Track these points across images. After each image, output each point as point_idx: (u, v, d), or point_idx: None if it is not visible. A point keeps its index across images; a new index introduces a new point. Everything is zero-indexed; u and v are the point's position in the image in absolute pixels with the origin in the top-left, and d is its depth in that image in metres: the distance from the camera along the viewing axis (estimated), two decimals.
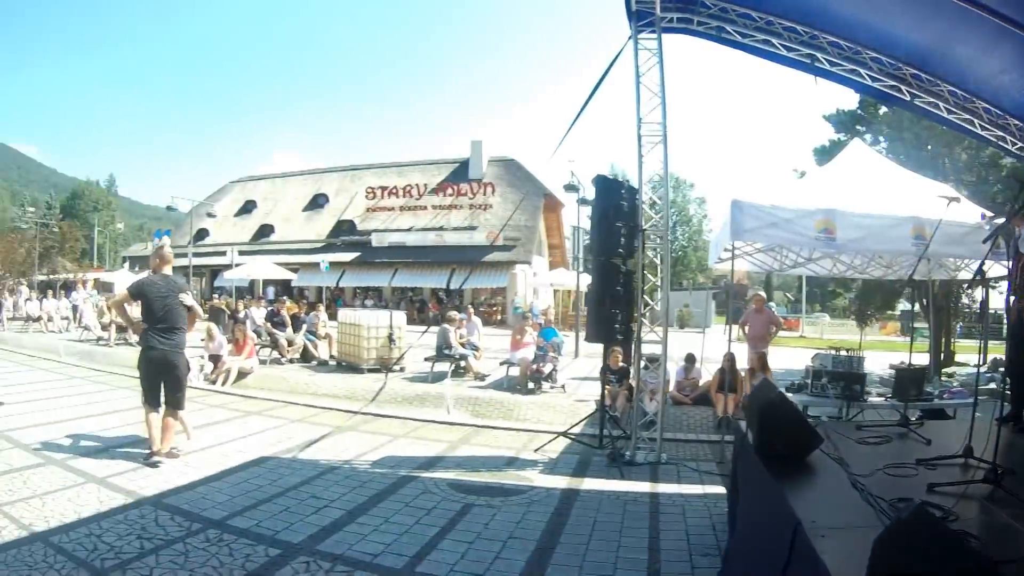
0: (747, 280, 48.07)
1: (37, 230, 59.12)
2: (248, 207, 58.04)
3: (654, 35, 9.98)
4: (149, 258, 9.21)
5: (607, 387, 12.44)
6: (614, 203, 9.99)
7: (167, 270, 9.03)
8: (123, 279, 46.02)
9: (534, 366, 14.94)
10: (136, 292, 8.66)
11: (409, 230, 47.89)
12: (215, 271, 47.85)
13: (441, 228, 47.07)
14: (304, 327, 19.74)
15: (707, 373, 14.43)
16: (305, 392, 14.83)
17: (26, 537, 6.01)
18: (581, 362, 20.66)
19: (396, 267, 46.18)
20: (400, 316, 17.77)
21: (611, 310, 9.79)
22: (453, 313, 17.96)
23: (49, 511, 6.68)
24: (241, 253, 42.09)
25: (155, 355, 8.66)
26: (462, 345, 16.79)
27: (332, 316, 21.77)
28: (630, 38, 10.05)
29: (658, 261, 10.69)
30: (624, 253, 9.93)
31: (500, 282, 43.85)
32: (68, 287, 45.02)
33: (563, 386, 15.15)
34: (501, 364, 16.13)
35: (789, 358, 18.79)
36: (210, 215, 48.62)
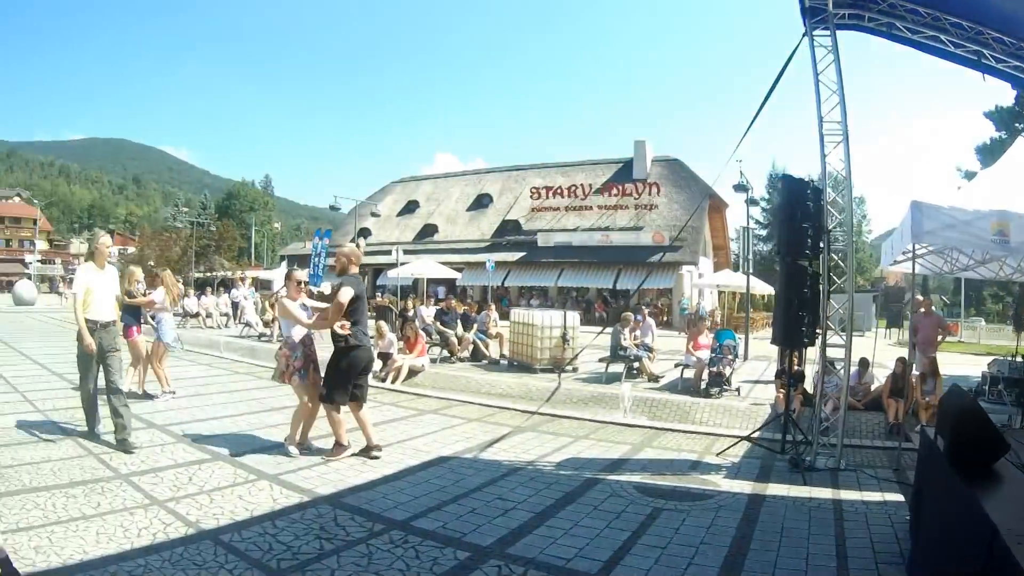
0: (904, 283, 46.48)
1: (193, 229, 60.96)
2: (411, 207, 59.31)
3: (827, 32, 9.73)
4: (337, 256, 9.13)
5: (782, 391, 12.19)
6: (800, 203, 9.75)
7: (355, 270, 9.09)
8: (282, 277, 47.52)
9: (713, 369, 14.67)
10: (358, 293, 8.74)
11: (575, 230, 47.93)
12: (377, 270, 48.76)
13: (607, 228, 46.94)
14: (475, 326, 19.81)
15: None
16: (479, 391, 14.83)
17: (194, 535, 5.96)
18: (750, 365, 20.18)
19: (562, 267, 46.44)
20: (574, 316, 17.65)
21: (798, 313, 9.57)
22: (627, 314, 17.77)
23: (218, 508, 6.67)
24: (405, 252, 42.24)
25: (365, 354, 8.86)
26: (636, 346, 16.59)
27: (502, 316, 21.95)
28: (804, 35, 9.83)
29: (842, 263, 10.41)
30: (810, 254, 9.71)
31: (666, 283, 43.57)
32: (226, 285, 46.40)
33: (737, 389, 14.82)
34: (676, 366, 15.95)
35: (952, 363, 18.05)
36: (374, 214, 49.34)
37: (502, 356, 18.80)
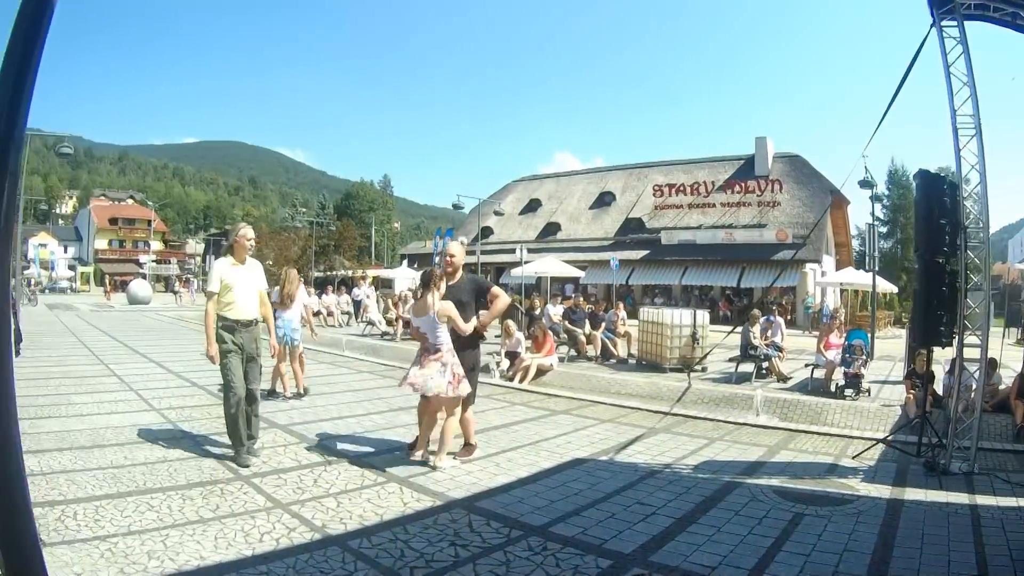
0: (1021, 280, 44.89)
1: (312, 228, 61.77)
2: (533, 205, 59.68)
3: (954, 22, 9.47)
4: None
5: (912, 392, 12.03)
6: (937, 199, 9.50)
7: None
8: (402, 276, 47.88)
9: (849, 370, 14.35)
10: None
11: (698, 228, 47.70)
12: (500, 268, 48.95)
13: (730, 226, 46.48)
14: (603, 324, 19.70)
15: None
16: (608, 391, 14.72)
17: (319, 540, 5.79)
18: (875, 365, 19.42)
19: (686, 265, 46.27)
20: (703, 315, 17.50)
21: (937, 312, 9.33)
22: (756, 312, 17.55)
23: (345, 512, 6.51)
24: (528, 251, 42.66)
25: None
26: (766, 346, 16.39)
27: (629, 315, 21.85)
28: (932, 26, 9.58)
29: (978, 261, 10.11)
30: (947, 252, 9.46)
31: (790, 281, 42.89)
32: (346, 284, 46.87)
33: (867, 390, 14.48)
34: (806, 366, 15.72)
35: None
36: (497, 213, 49.73)
37: (630, 355, 18.75)
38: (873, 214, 30.06)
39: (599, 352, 19.18)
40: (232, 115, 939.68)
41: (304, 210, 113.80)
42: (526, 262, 38.73)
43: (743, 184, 48.46)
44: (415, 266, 54.91)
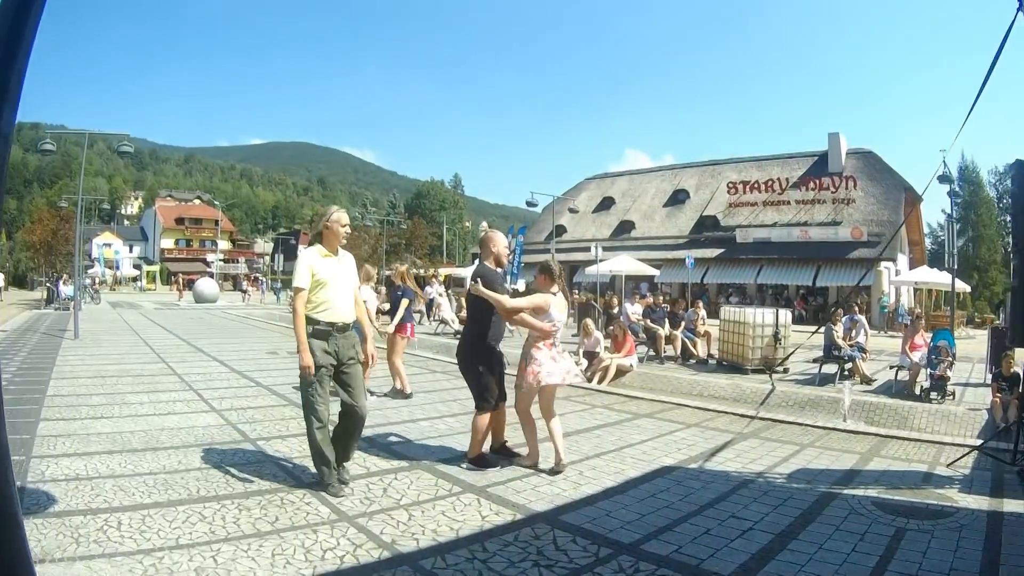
0: None
1: (384, 227, 61.66)
2: (606, 203, 59.46)
3: None
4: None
5: (998, 396, 11.66)
6: None
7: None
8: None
9: (935, 372, 13.89)
10: None
11: (772, 225, 47.09)
12: (573, 267, 48.69)
13: (805, 223, 45.69)
14: (683, 324, 19.36)
15: None
16: (690, 393, 14.43)
17: (388, 559, 5.34)
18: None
19: (761, 264, 45.81)
20: (785, 314, 17.04)
21: None
22: (840, 311, 17.16)
23: (417, 527, 6.04)
24: (603, 251, 41.99)
25: None
26: (850, 346, 15.97)
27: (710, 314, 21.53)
28: (1018, 10, 9.19)
29: None
30: None
31: (865, 280, 41.68)
32: (418, 282, 46.55)
33: (952, 393, 14.02)
34: (891, 367, 15.32)
35: None
36: (572, 210, 49.49)
37: (710, 355, 18.41)
38: (952, 211, 29.26)
39: (678, 352, 18.89)
40: (300, 116, 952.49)
41: (374, 209, 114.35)
42: (601, 260, 38.35)
43: (817, 181, 47.63)
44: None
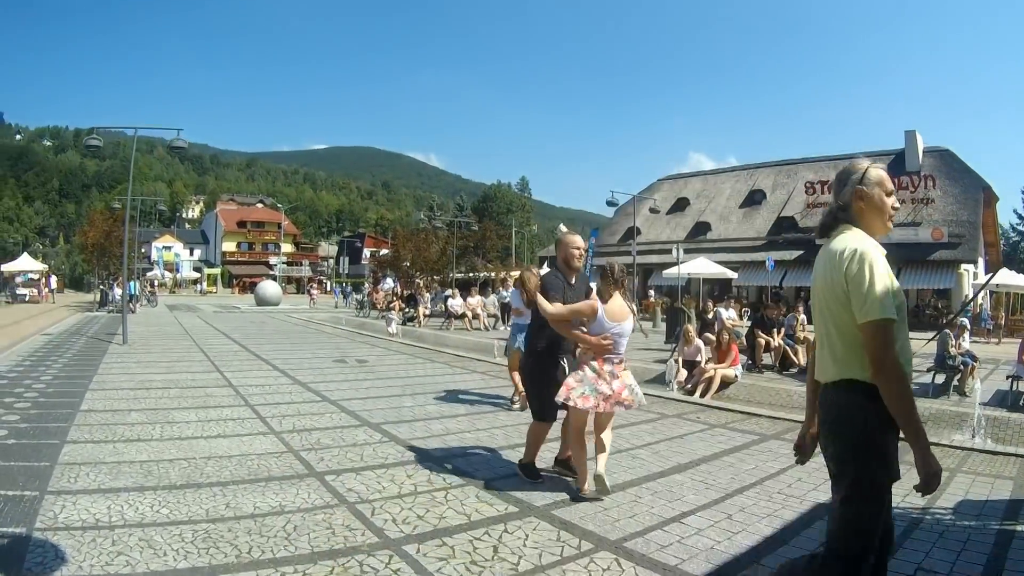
0: None
1: (454, 229, 61.25)
2: (680, 204, 57.93)
3: None
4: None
5: None
6: None
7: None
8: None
9: None
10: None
11: None
12: (648, 270, 47.53)
13: None
14: (782, 330, 17.97)
15: None
16: (800, 407, 12.95)
17: None
18: None
19: None
20: None
21: None
22: (961, 320, 15.88)
23: (465, 556, 5.15)
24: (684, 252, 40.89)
25: None
26: (961, 355, 14.61)
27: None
28: None
29: None
30: None
31: (945, 283, 40.38)
32: (489, 285, 45.78)
33: None
34: (1007, 378, 13.83)
35: None
36: (653, 210, 48.25)
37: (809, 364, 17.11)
38: None
39: (777, 361, 17.51)
40: (363, 120, 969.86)
41: (440, 212, 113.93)
42: (681, 262, 37.15)
43: (896, 180, 44.77)
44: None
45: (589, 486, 6.73)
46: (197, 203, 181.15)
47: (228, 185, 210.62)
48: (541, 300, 6.83)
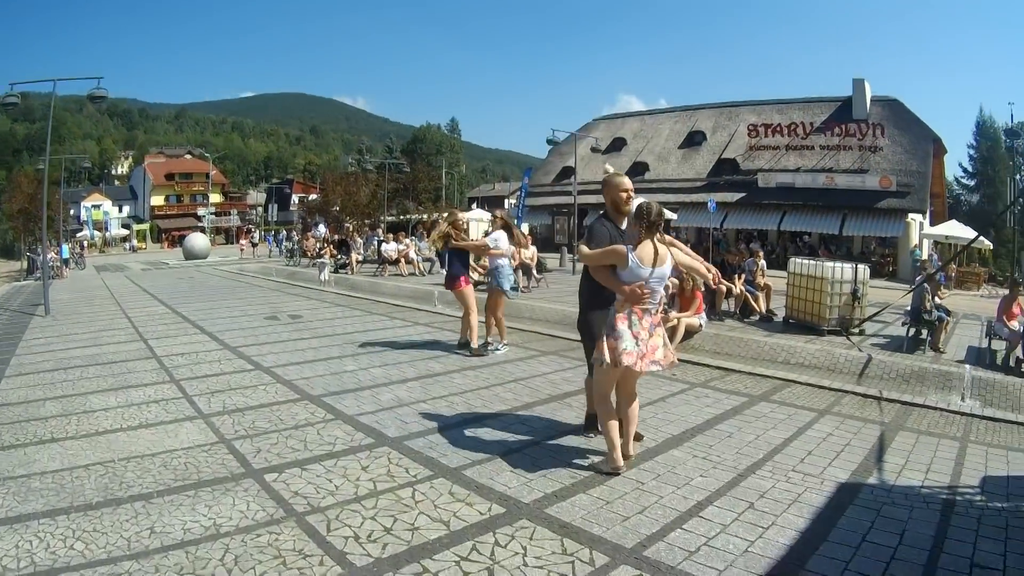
0: None
1: (386, 172, 59.76)
2: (617, 144, 57.24)
3: None
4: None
5: None
6: None
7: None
8: (476, 219, 46.01)
9: None
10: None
11: (796, 170, 44.95)
12: (583, 210, 46.90)
13: (831, 170, 43.70)
14: (742, 276, 17.08)
15: None
16: (775, 360, 12.28)
17: None
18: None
19: (784, 210, 43.80)
20: (864, 269, 14.81)
21: None
22: (932, 266, 15.33)
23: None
24: None
25: None
26: (936, 308, 14.02)
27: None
28: None
29: None
30: None
31: (893, 231, 40.32)
32: (421, 228, 44.71)
33: None
34: (988, 337, 13.28)
35: None
36: (595, 149, 47.33)
37: (769, 311, 16.41)
38: (1016, 161, 27.43)
39: (737, 308, 16.68)
40: (292, 66, 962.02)
41: (369, 156, 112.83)
42: None
43: (843, 127, 45.48)
44: (485, 208, 53.34)
45: (618, 465, 6.21)
46: (126, 158, 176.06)
47: (157, 139, 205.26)
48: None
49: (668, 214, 5.86)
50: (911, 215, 40.78)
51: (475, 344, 11.84)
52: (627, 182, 6.78)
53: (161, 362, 11.43)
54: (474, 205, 60.30)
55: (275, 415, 8.06)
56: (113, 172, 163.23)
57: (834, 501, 5.66)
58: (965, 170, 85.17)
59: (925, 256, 36.84)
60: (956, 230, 36.04)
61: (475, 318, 11.87)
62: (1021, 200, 34.88)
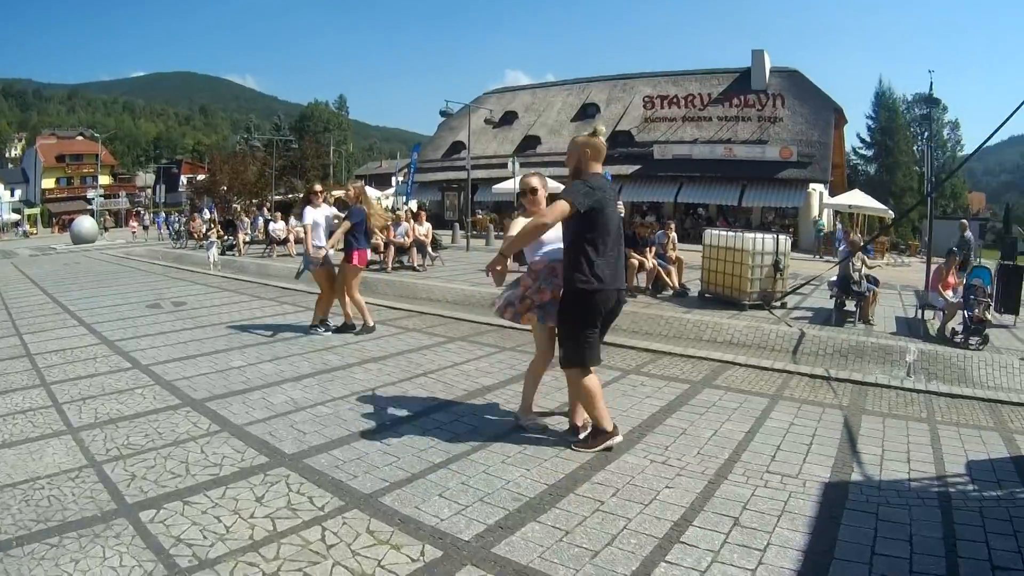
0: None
1: (275, 149, 58.61)
2: (508, 118, 56.82)
3: None
4: (578, 154, 6.26)
5: None
6: None
7: (599, 168, 6.30)
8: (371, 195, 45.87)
9: (973, 314, 11.37)
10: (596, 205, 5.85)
11: (693, 142, 45.20)
12: (474, 185, 46.28)
13: (729, 141, 44.08)
14: (653, 249, 16.45)
15: None
16: (700, 339, 11.64)
17: None
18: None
19: (681, 181, 43.98)
20: (786, 240, 14.36)
21: None
22: (857, 239, 14.83)
23: None
24: (503, 167, 40.38)
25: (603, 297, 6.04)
26: (864, 279, 13.54)
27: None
28: None
29: None
30: None
31: (794, 201, 41.05)
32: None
33: (985, 337, 11.40)
34: (920, 308, 13.26)
35: None
36: (488, 122, 46.76)
37: (682, 285, 15.79)
38: (930, 130, 27.46)
39: (649, 284, 16.05)
40: (183, 45, 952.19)
41: (257, 134, 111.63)
42: (508, 178, 37.00)
43: (742, 98, 45.94)
44: (372, 185, 52.66)
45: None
46: (19, 141, 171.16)
47: (50, 120, 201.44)
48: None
49: (532, 182, 5.14)
50: (812, 185, 41.46)
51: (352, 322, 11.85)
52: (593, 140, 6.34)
53: (33, 362, 9.99)
54: (361, 182, 59.27)
55: (152, 427, 6.77)
56: (7, 155, 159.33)
57: (825, 508, 4.94)
58: (863, 140, 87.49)
59: (829, 225, 37.22)
60: (859, 199, 36.58)
61: (338, 297, 11.80)
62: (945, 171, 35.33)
